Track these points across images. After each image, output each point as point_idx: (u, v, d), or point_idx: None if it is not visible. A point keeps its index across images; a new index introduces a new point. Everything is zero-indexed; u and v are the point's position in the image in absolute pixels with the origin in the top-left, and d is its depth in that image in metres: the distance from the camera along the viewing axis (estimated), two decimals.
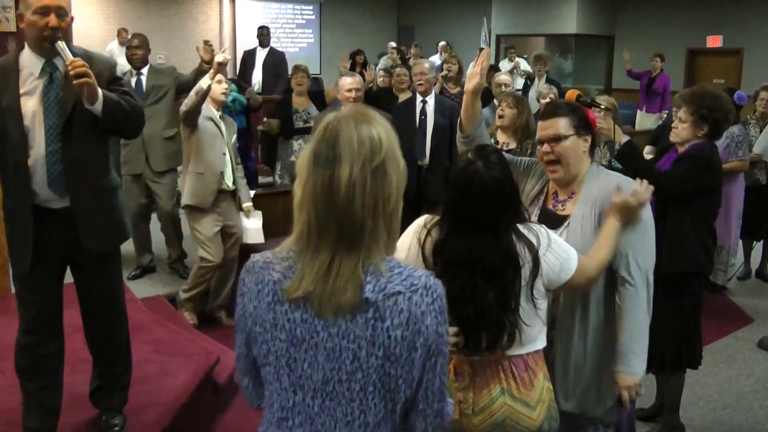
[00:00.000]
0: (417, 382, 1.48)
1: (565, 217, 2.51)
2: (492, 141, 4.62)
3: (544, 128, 2.51)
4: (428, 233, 2.21)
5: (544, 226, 2.23)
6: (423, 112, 5.55)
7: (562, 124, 2.46)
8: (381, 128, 1.47)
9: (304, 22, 16.17)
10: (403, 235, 2.25)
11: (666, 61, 10.73)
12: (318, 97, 6.83)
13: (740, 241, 6.27)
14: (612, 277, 2.47)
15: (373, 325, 1.43)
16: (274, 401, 1.54)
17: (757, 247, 6.42)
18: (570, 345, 2.49)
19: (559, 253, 2.19)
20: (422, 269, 1.55)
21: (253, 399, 1.66)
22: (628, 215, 2.40)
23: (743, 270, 6.38)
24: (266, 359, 1.52)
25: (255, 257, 1.55)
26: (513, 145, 4.58)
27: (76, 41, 13.46)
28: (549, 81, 8.34)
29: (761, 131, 6.00)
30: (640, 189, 2.41)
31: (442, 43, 12.76)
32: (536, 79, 8.88)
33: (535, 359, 2.23)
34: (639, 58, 10.62)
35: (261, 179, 7.79)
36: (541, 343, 2.26)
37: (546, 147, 2.49)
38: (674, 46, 13.19)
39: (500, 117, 4.60)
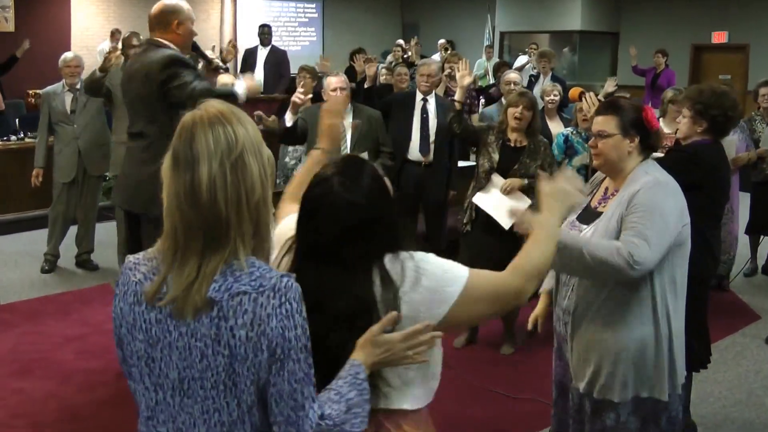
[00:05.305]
0: (264, 385, 1.47)
1: (600, 214, 2.57)
2: (495, 139, 4.63)
3: (595, 123, 2.65)
4: (288, 250, 1.82)
5: (418, 254, 1.78)
6: (424, 110, 5.52)
7: (609, 123, 2.57)
8: (237, 124, 1.48)
9: (306, 20, 16.15)
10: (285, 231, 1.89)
11: (671, 57, 10.70)
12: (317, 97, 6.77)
13: (747, 238, 6.25)
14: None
15: (216, 324, 1.44)
16: (141, 401, 1.57)
17: (764, 243, 6.35)
18: (582, 331, 2.57)
19: (430, 286, 1.73)
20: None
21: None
22: (561, 204, 2.02)
23: (750, 266, 6.33)
24: (131, 360, 1.54)
25: (132, 258, 1.57)
26: (525, 143, 4.64)
27: (75, 41, 13.28)
28: (554, 78, 8.31)
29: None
30: (568, 174, 2.14)
31: (441, 41, 12.67)
32: (541, 77, 8.85)
33: (413, 418, 1.82)
34: (644, 55, 10.59)
35: None
36: (422, 401, 1.84)
37: (592, 141, 2.65)
38: (679, 42, 13.13)
39: (517, 119, 4.58)
